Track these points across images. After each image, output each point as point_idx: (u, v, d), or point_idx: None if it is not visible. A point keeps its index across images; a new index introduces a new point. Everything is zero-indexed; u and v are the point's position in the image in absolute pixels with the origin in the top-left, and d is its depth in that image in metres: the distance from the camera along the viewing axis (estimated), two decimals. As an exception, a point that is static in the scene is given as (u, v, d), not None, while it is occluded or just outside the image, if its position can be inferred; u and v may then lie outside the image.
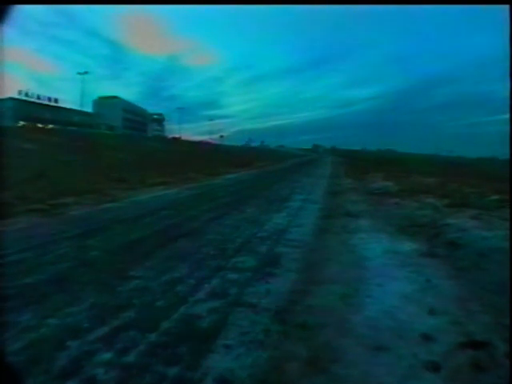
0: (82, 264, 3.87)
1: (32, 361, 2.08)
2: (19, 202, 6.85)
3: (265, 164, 34.20)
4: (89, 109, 76.88)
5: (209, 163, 23.81)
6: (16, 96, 56.61)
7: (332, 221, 6.85)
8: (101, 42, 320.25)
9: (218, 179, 16.17)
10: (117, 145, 31.12)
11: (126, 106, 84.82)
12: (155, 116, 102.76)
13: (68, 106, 68.69)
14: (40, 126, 49.50)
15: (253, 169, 26.50)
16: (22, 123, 48.49)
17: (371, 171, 20.69)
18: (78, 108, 69.00)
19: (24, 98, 59.16)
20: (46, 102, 63.92)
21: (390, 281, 3.69)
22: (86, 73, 66.87)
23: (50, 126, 53.77)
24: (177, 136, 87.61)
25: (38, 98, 62.58)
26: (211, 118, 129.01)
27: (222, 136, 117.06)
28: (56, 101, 65.94)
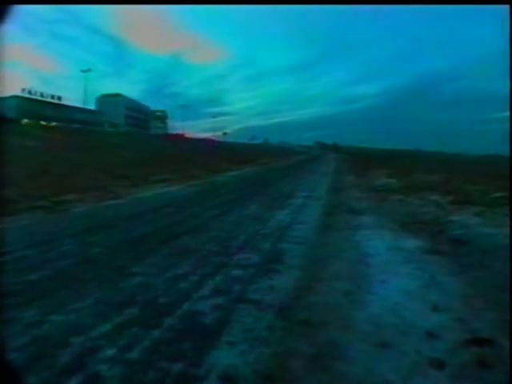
0: (85, 260, 3.88)
1: (36, 357, 2.08)
2: (23, 199, 6.87)
3: (268, 161, 34.15)
4: (92, 106, 76.96)
5: (212, 160, 23.80)
6: (19, 94, 56.72)
7: (335, 217, 6.83)
8: (104, 39, 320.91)
9: (221, 176, 16.17)
10: (119, 142, 31.16)
11: (128, 104, 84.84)
12: (158, 113, 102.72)
13: (71, 103, 68.74)
14: (43, 123, 49.59)
15: (256, 166, 26.49)
16: (25, 121, 48.57)
17: (374, 168, 20.64)
18: (81, 106, 69.07)
19: (27, 95, 59.25)
20: (50, 100, 63.98)
21: (394, 277, 3.68)
22: (89, 70, 66.98)
23: (54, 123, 53.82)
24: (180, 133, 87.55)
25: (42, 95, 62.64)
26: (214, 115, 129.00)
27: (225, 133, 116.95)
28: (59, 98, 65.98)
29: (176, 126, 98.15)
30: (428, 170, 18.67)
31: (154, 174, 13.04)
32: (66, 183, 9.15)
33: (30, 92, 60.08)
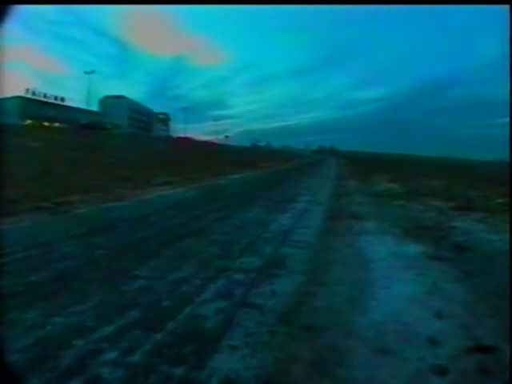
0: (88, 262, 3.88)
1: (38, 359, 2.08)
2: (24, 200, 6.88)
3: (270, 165, 34.19)
4: (95, 108, 77.22)
5: (214, 163, 23.83)
6: (23, 94, 56.96)
7: (337, 222, 6.83)
8: (108, 40, 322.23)
9: (223, 179, 16.18)
10: (122, 144, 31.23)
11: (132, 106, 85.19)
12: (161, 116, 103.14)
13: (75, 104, 69.02)
14: (46, 124, 49.77)
15: (257, 169, 26.51)
16: (28, 121, 48.76)
17: (376, 173, 20.65)
18: (85, 107, 69.29)
19: (31, 96, 59.50)
20: (53, 101, 64.24)
21: (396, 283, 3.67)
22: (92, 72, 67.24)
23: (56, 124, 54.01)
24: (182, 136, 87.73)
25: (45, 96, 62.99)
26: (217, 118, 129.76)
27: (227, 136, 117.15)
28: (62, 99, 66.34)
29: (179, 129, 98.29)
30: (430, 175, 18.67)
31: (156, 176, 13.05)
32: (67, 184, 9.16)
33: (33, 93, 60.37)
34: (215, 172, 18.34)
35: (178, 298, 3.08)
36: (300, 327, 2.64)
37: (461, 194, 10.25)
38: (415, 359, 2.26)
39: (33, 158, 13.93)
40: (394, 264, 4.32)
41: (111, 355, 2.17)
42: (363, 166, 34.13)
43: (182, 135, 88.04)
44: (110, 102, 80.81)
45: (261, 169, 27.50)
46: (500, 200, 8.60)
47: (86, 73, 66.69)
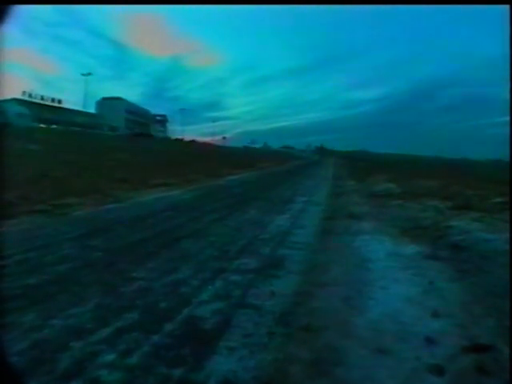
0: (86, 265, 3.88)
1: (36, 361, 2.08)
2: (22, 203, 6.87)
3: (267, 165, 34.20)
4: (92, 110, 77.12)
5: (211, 164, 23.82)
6: (20, 97, 56.85)
7: (335, 222, 6.84)
8: (105, 42, 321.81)
9: (221, 181, 16.18)
10: (119, 145, 31.18)
11: (129, 107, 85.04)
12: (158, 117, 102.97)
13: (71, 106, 68.92)
14: (43, 126, 49.67)
15: (255, 170, 26.51)
16: (25, 124, 48.61)
17: (374, 173, 20.68)
18: (82, 109, 69.20)
19: (28, 98, 59.38)
20: (50, 103, 64.14)
21: (393, 283, 3.68)
22: (89, 74, 67.38)
23: (53, 126, 53.90)
24: (180, 137, 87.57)
25: (42, 98, 62.85)
26: (214, 120, 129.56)
27: (224, 137, 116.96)
28: (59, 102, 66.24)
29: (176, 130, 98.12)
30: (428, 175, 18.71)
31: (153, 177, 13.04)
32: (65, 186, 9.15)
33: (30, 95, 60.26)
34: (212, 173, 18.33)
35: (175, 299, 3.08)
36: (298, 328, 2.65)
37: (458, 194, 10.27)
38: (412, 359, 2.27)
39: (30, 160, 13.90)
40: (392, 264, 4.33)
41: (109, 357, 2.17)
42: (361, 166, 34.17)
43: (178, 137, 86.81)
44: (107, 103, 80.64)
45: (258, 170, 27.50)
46: (497, 199, 8.62)
47: (83, 75, 66.87)
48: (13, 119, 42.70)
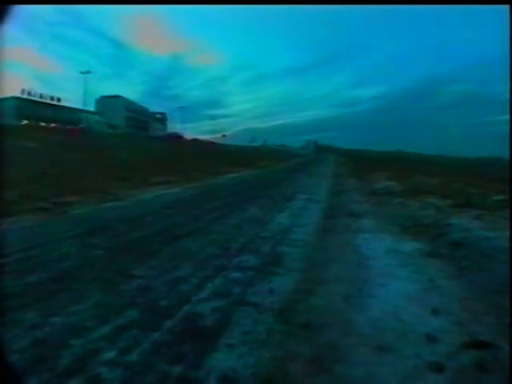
0: (86, 262, 3.88)
1: (36, 359, 2.08)
2: (23, 201, 6.87)
3: (267, 163, 34.18)
4: (92, 108, 77.02)
5: (211, 162, 23.81)
6: (19, 95, 56.76)
7: (335, 220, 6.84)
8: (105, 41, 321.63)
9: (221, 178, 16.18)
10: (119, 143, 31.18)
11: (128, 105, 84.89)
12: (158, 115, 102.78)
13: (71, 105, 68.81)
14: (43, 124, 49.67)
15: (255, 168, 26.49)
16: (25, 122, 48.63)
17: (374, 171, 20.66)
18: (81, 107, 69.09)
19: (27, 97, 59.28)
20: (49, 101, 64.02)
21: (393, 281, 3.68)
22: (88, 72, 67.07)
23: (53, 124, 53.88)
24: (173, 133, 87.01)
25: (41, 96, 62.71)
26: (214, 118, 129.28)
27: (224, 135, 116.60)
28: (59, 100, 66.07)
29: (176, 128, 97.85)
30: (428, 172, 18.69)
31: (153, 175, 13.04)
32: (65, 184, 9.15)
33: (29, 93, 60.14)
34: (213, 171, 18.33)
35: (175, 296, 3.09)
36: (298, 325, 2.65)
37: (458, 192, 10.26)
38: (412, 356, 2.27)
39: (30, 159, 13.90)
40: (392, 261, 4.33)
41: (109, 354, 2.17)
42: (361, 163, 34.15)
43: (171, 132, 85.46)
44: (106, 101, 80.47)
45: (259, 168, 27.47)
46: (498, 197, 8.61)
47: (82, 73, 66.60)
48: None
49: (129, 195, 9.29)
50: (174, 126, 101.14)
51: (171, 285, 3.35)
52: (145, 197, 9.38)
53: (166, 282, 3.41)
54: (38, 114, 55.69)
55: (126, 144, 32.14)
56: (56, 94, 66.44)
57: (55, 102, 65.14)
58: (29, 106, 56.49)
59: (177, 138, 70.83)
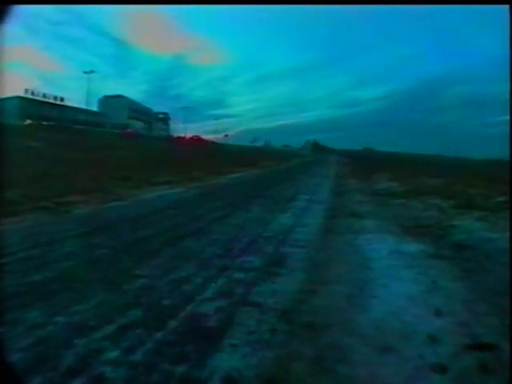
0: (89, 262, 3.89)
1: (39, 358, 2.09)
2: (25, 200, 6.88)
3: (269, 164, 34.16)
4: (94, 107, 77.21)
5: (213, 162, 23.81)
6: (22, 94, 56.97)
7: (337, 221, 6.84)
8: (107, 40, 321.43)
9: (223, 178, 16.17)
10: (121, 143, 31.24)
11: (131, 105, 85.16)
12: (160, 115, 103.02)
13: (74, 104, 69.04)
14: (45, 123, 49.78)
15: (257, 168, 26.48)
16: (28, 121, 48.76)
17: (377, 172, 20.66)
18: (84, 107, 69.27)
19: (30, 96, 59.49)
20: (52, 101, 64.23)
21: (396, 282, 3.69)
22: (91, 72, 67.24)
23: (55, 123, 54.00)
24: (182, 135, 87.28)
25: (44, 96, 62.94)
26: (217, 118, 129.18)
27: (226, 135, 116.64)
28: (62, 99, 66.31)
29: (178, 128, 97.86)
30: (430, 173, 18.68)
31: (156, 175, 13.04)
32: (68, 184, 9.16)
33: (32, 93, 60.36)
34: (215, 171, 18.32)
35: (179, 296, 3.09)
36: (301, 325, 2.65)
37: (461, 193, 10.25)
38: (415, 357, 2.27)
39: (32, 158, 13.93)
40: (394, 262, 4.33)
41: (113, 354, 2.18)
42: (363, 164, 34.15)
43: (183, 134, 78.52)
44: (109, 101, 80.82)
45: (260, 168, 27.46)
46: (500, 198, 8.60)
47: (85, 72, 66.79)
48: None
49: (131, 195, 9.27)
50: (176, 126, 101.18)
51: (174, 284, 3.36)
52: (147, 196, 9.34)
53: (169, 282, 3.41)
54: (41, 114, 55.79)
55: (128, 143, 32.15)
56: (58, 94, 66.74)
57: (58, 102, 65.34)
58: (32, 106, 56.62)
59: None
